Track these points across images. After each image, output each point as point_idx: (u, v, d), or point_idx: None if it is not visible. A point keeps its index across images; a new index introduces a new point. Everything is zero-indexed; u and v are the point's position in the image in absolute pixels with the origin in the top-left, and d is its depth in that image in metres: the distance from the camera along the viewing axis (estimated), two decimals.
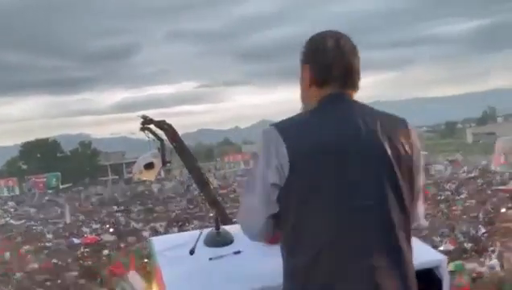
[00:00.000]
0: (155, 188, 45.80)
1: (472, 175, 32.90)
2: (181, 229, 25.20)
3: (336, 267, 1.56)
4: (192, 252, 2.21)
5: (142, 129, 4.37)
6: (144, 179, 4.70)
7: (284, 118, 1.73)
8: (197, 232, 2.37)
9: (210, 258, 2.19)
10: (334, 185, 1.58)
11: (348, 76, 1.74)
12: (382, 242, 1.59)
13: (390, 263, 1.58)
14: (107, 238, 23.04)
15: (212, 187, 4.99)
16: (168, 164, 4.58)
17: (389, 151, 1.62)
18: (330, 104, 1.70)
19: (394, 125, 1.71)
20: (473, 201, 21.93)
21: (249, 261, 2.14)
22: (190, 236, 2.37)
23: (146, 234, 24.23)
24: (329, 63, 1.72)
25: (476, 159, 42.57)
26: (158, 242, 2.50)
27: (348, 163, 1.59)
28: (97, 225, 27.48)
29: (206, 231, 2.41)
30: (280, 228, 1.66)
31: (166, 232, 24.42)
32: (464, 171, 35.54)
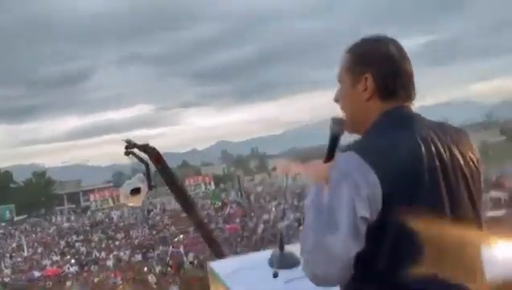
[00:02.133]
0: (115, 215, 44.78)
1: None
2: (145, 255, 24.70)
3: None
4: (275, 275, 2.04)
5: (127, 153, 4.19)
6: (131, 204, 4.49)
7: (356, 140, 1.55)
8: (257, 254, 2.30)
9: (286, 281, 2.10)
10: (432, 214, 1.43)
11: (412, 87, 1.58)
12: (478, 265, 1.53)
13: (483, 284, 1.53)
14: (69, 269, 22.27)
15: (198, 210, 4.83)
16: (154, 189, 4.39)
17: (465, 169, 1.53)
18: (398, 120, 1.53)
19: (461, 138, 1.59)
20: None
21: None
22: (251, 258, 2.31)
23: (109, 263, 23.56)
24: (396, 73, 1.54)
25: None
26: (220, 267, 2.41)
27: (438, 185, 1.47)
28: (58, 257, 26.58)
29: (268, 252, 2.32)
30: (364, 267, 1.44)
31: (129, 260, 23.89)
32: None
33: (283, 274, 2.11)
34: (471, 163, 1.55)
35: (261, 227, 28.63)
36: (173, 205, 45.57)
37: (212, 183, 58.97)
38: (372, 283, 1.45)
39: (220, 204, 41.09)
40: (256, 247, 23.30)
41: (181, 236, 28.42)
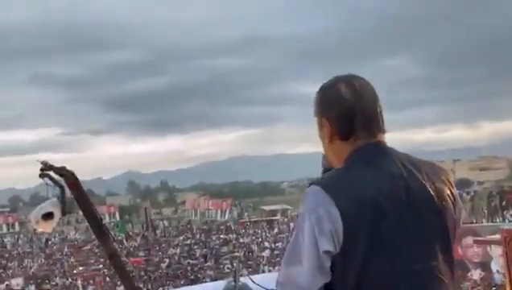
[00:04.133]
0: (8, 242, 41.93)
1: None
2: (40, 286, 23.21)
3: None
4: None
5: (42, 175, 3.91)
6: (41, 230, 4.18)
7: (323, 176, 1.56)
8: (206, 285, 2.19)
9: None
10: (394, 247, 1.44)
11: (374, 122, 1.56)
12: None
13: None
14: None
15: (112, 239, 4.58)
16: (68, 214, 4.12)
17: (439, 205, 1.51)
18: (367, 156, 1.52)
19: (438, 173, 1.57)
20: None
21: None
22: (207, 288, 2.16)
23: None
24: (349, 112, 1.54)
25: None
26: None
27: (405, 221, 1.46)
28: None
29: (219, 284, 2.22)
30: None
31: None
32: None
33: None
34: (447, 198, 1.54)
35: (166, 262, 27.95)
36: (72, 235, 43.50)
37: (117, 214, 57.01)
38: None
39: (124, 236, 39.71)
40: (160, 283, 22.66)
41: (80, 268, 27.03)
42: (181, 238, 36.89)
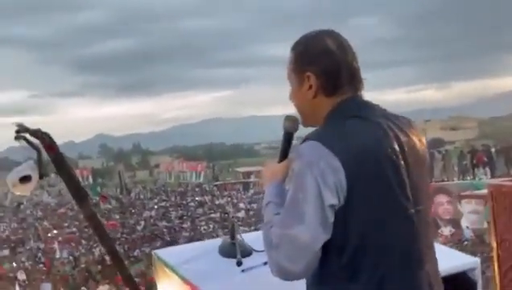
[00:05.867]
0: None
1: None
2: (14, 250, 23.02)
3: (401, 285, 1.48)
4: (239, 263, 2.10)
5: (17, 138, 3.77)
6: (18, 193, 4.07)
7: (312, 132, 1.54)
8: (204, 243, 2.25)
9: (243, 270, 2.10)
10: (393, 194, 1.46)
11: (356, 78, 1.58)
12: (430, 248, 1.58)
13: (436, 268, 1.59)
14: None
15: (90, 201, 4.51)
16: (46, 177, 4.01)
17: (421, 154, 1.56)
18: (354, 109, 1.54)
19: (412, 126, 1.62)
20: None
21: None
22: (198, 247, 2.27)
23: None
24: (338, 67, 1.54)
25: None
26: (168, 256, 2.35)
27: (399, 168, 1.48)
28: None
29: (216, 241, 2.33)
30: (332, 253, 1.45)
31: None
32: None
33: (232, 262, 2.12)
34: (423, 148, 1.60)
35: (141, 225, 27.93)
36: (45, 198, 43.07)
37: (90, 177, 56.51)
38: (339, 273, 1.45)
39: (98, 199, 39.50)
40: (137, 245, 22.68)
41: (55, 231, 26.87)
42: (156, 200, 36.84)
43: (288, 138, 1.71)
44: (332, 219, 1.41)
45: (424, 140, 1.62)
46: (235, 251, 2.19)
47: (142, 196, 41.23)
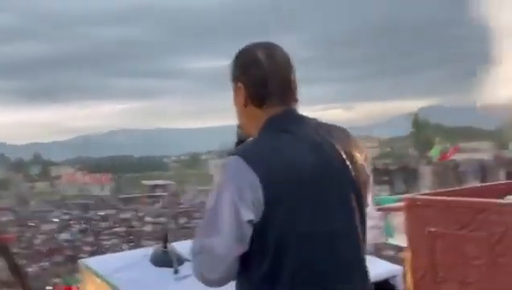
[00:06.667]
0: None
1: None
2: None
3: None
4: (176, 272, 2.10)
5: None
6: None
7: (240, 145, 1.56)
8: (133, 251, 2.32)
9: (176, 279, 2.10)
10: (312, 215, 1.46)
11: (287, 90, 1.57)
12: (358, 266, 1.56)
13: (364, 286, 1.57)
14: None
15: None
16: None
17: (351, 168, 1.53)
18: (282, 124, 1.53)
19: (348, 138, 1.60)
20: None
21: None
22: (128, 255, 2.25)
23: None
24: (264, 78, 1.54)
25: None
26: (97, 264, 2.26)
27: (322, 187, 1.48)
28: None
29: (146, 250, 2.31)
30: (253, 262, 1.46)
31: None
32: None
33: (166, 271, 2.12)
34: (358, 161, 1.57)
35: (39, 238, 26.50)
36: None
37: None
38: (261, 280, 1.46)
39: None
40: (33, 260, 21.47)
41: None
42: (57, 213, 35.19)
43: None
44: (249, 233, 1.43)
45: (362, 152, 1.60)
46: (167, 260, 2.16)
47: (41, 209, 39.19)
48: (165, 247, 2.24)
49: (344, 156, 1.53)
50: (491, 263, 2.19)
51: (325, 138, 1.53)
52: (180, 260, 2.17)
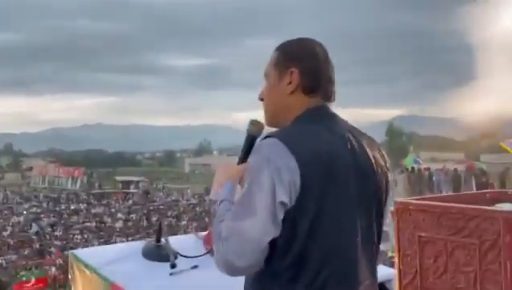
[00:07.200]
0: None
1: (192, 202, 34.83)
2: None
3: None
4: (173, 266, 2.04)
5: None
6: None
7: (278, 130, 1.57)
8: (126, 244, 2.13)
9: (171, 274, 2.04)
10: (341, 207, 1.49)
11: (331, 87, 1.65)
12: (373, 264, 1.62)
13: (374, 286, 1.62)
14: None
15: None
16: None
17: (377, 172, 1.60)
18: (320, 117, 1.59)
19: (372, 143, 1.67)
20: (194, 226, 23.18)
21: (209, 275, 1.97)
22: (120, 248, 2.18)
23: None
24: (320, 70, 1.63)
25: (194, 188, 45.23)
26: (88, 256, 2.20)
27: (351, 182, 1.52)
28: None
29: (138, 243, 2.22)
30: (277, 253, 1.45)
31: None
32: (186, 199, 37.38)
33: (166, 266, 2.05)
34: (382, 167, 1.64)
35: (8, 230, 25.96)
36: None
37: None
38: (282, 274, 1.46)
39: None
40: (0, 252, 21.02)
41: None
42: (26, 205, 34.54)
43: (251, 141, 1.74)
44: (281, 217, 1.42)
45: (387, 161, 1.68)
46: (160, 254, 2.11)
47: (10, 201, 38.44)
48: (158, 241, 2.17)
49: (373, 161, 1.60)
50: (482, 270, 2.19)
51: (358, 139, 1.60)
52: (175, 255, 2.12)
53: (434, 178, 24.89)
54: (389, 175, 1.68)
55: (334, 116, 1.63)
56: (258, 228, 1.40)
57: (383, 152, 1.70)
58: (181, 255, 2.09)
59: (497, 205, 2.58)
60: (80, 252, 2.35)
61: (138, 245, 2.26)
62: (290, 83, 1.61)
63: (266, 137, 1.52)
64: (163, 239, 2.22)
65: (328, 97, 1.64)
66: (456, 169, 25.00)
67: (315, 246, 1.45)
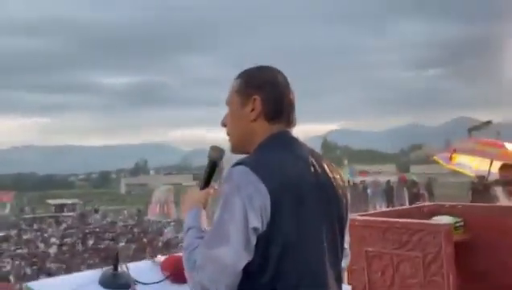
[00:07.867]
0: None
1: (129, 224, 34.04)
2: None
3: None
4: None
5: None
6: None
7: (245, 157, 1.62)
8: (83, 274, 2.18)
9: None
10: (310, 229, 1.56)
11: (292, 112, 1.72)
12: (340, 278, 1.67)
13: None
14: None
15: None
16: None
17: (338, 193, 1.68)
18: (285, 142, 1.66)
19: (334, 168, 1.74)
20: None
21: None
22: (77, 278, 2.10)
23: None
24: (282, 97, 1.69)
25: (130, 209, 44.25)
26: (44, 288, 2.13)
27: (317, 205, 1.59)
28: None
29: (95, 272, 2.14)
30: (253, 273, 1.50)
31: None
32: (123, 221, 36.46)
33: None
34: (342, 188, 1.72)
35: None
36: None
37: None
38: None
39: None
40: None
41: None
42: None
43: (212, 166, 1.79)
44: (254, 242, 1.47)
45: (345, 183, 1.77)
46: (119, 283, 2.06)
47: None
48: (115, 269, 2.14)
49: (334, 182, 1.68)
50: (426, 282, 2.31)
51: (319, 162, 1.67)
52: (133, 282, 2.09)
53: (368, 190, 25.61)
54: (348, 194, 1.76)
55: (296, 140, 1.70)
56: (232, 254, 1.45)
57: (341, 173, 1.77)
58: (139, 282, 2.06)
59: (435, 218, 2.73)
60: (35, 284, 2.26)
61: (95, 274, 2.20)
62: (252, 110, 1.67)
63: (236, 164, 1.56)
64: (120, 266, 2.19)
65: (290, 122, 1.71)
66: (388, 181, 25.81)
67: (289, 265, 1.51)
